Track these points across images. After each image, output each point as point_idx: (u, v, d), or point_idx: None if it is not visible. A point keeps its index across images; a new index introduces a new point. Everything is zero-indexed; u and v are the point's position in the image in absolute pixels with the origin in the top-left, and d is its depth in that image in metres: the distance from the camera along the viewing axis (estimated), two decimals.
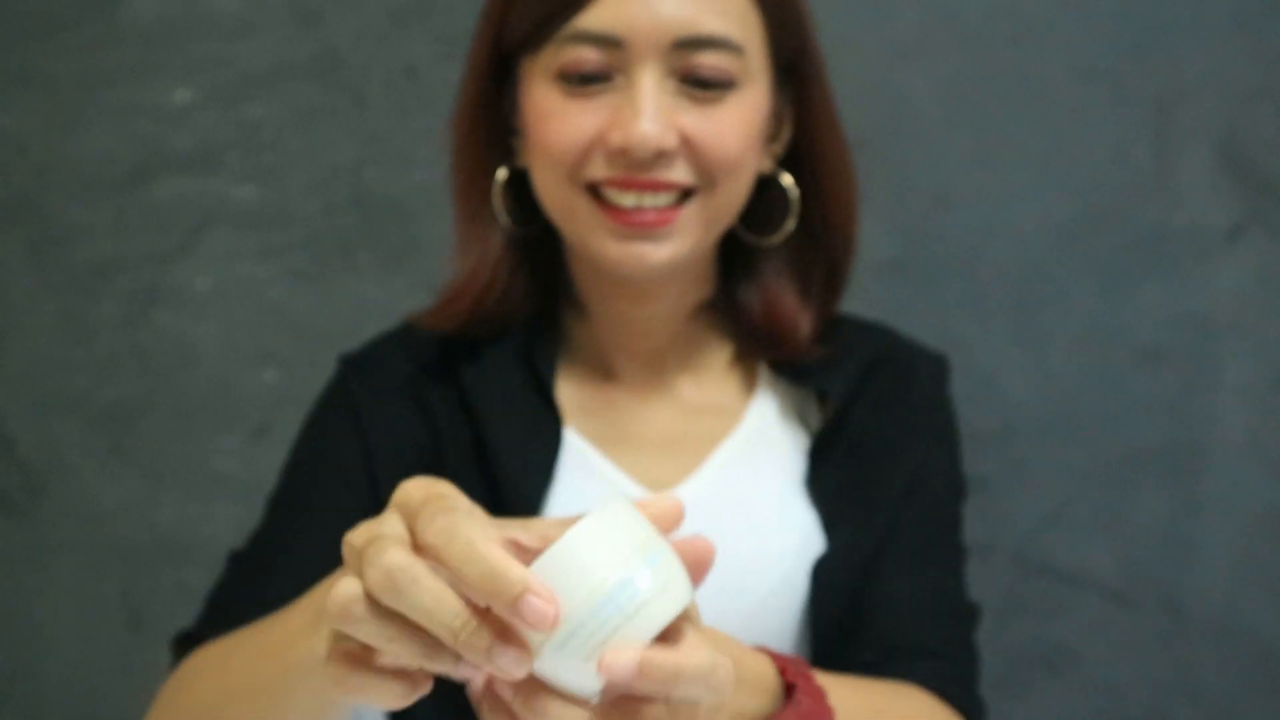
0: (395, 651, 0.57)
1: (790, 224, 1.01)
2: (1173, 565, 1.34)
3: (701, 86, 0.92)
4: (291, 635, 0.70)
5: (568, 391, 1.02)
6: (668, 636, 0.58)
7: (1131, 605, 1.35)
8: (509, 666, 0.55)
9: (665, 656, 0.56)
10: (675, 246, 0.94)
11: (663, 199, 0.93)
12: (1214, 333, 1.32)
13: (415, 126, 1.33)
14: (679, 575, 0.58)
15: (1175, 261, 1.32)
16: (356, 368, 1.02)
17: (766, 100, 0.96)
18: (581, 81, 0.92)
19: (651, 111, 0.90)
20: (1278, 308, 1.32)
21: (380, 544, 0.56)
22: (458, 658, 0.56)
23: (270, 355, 1.37)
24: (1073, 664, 1.35)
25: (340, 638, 0.59)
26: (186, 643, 0.91)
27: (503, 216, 1.00)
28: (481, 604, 0.55)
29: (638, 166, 0.91)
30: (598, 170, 0.93)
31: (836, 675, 0.82)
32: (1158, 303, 1.32)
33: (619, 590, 0.56)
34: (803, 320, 1.03)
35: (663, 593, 0.57)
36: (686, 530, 0.62)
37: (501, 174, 1.00)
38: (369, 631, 0.56)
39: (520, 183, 1.00)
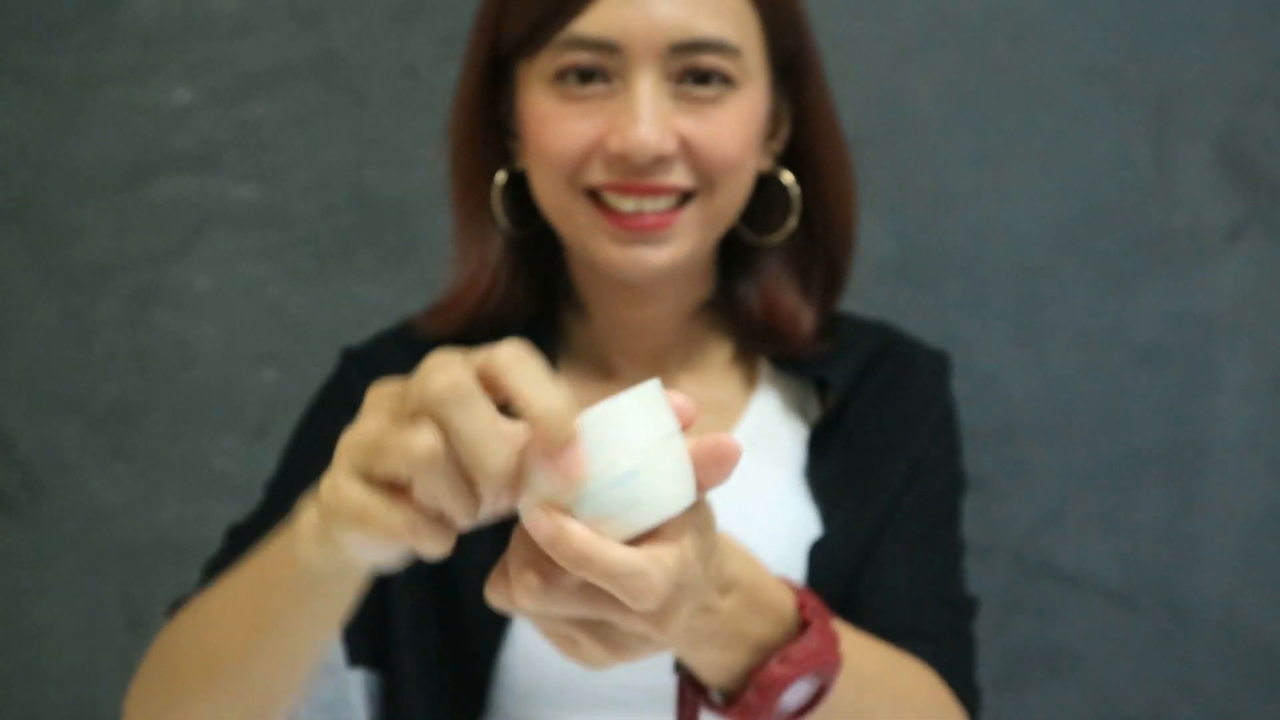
0: (429, 478, 0.57)
1: (791, 222, 1.01)
2: (1173, 565, 1.34)
3: (699, 89, 0.92)
4: (275, 553, 0.71)
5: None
6: (660, 533, 0.60)
7: (1131, 605, 1.35)
8: (522, 508, 0.58)
9: (584, 538, 0.57)
10: (675, 249, 0.94)
11: (662, 202, 0.93)
12: (1214, 333, 1.32)
13: (415, 126, 1.33)
14: (686, 479, 0.60)
15: (1175, 261, 1.32)
16: (358, 361, 1.03)
17: (764, 100, 0.96)
18: (579, 87, 0.92)
19: (649, 116, 0.90)
20: (1278, 308, 1.32)
21: (445, 364, 0.58)
22: (478, 497, 0.58)
23: (270, 355, 1.37)
24: (1073, 664, 1.35)
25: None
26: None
27: (502, 220, 1.00)
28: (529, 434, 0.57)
29: (636, 171, 0.91)
30: (596, 175, 0.93)
31: (853, 628, 0.83)
32: (1158, 303, 1.32)
33: (628, 478, 0.58)
34: (803, 317, 1.03)
35: (664, 492, 0.59)
36: None
37: (500, 177, 1.00)
38: (426, 441, 0.57)
39: (519, 184, 1.00)
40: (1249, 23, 1.30)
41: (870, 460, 1.00)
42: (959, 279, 1.34)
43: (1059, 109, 1.32)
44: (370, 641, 0.94)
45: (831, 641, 0.75)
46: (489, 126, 0.99)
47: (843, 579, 0.96)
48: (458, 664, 0.95)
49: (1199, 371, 1.33)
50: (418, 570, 0.75)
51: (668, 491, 0.59)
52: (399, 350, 1.02)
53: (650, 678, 0.84)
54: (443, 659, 0.95)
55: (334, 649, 0.92)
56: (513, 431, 0.58)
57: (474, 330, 1.00)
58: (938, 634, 0.96)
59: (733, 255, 1.04)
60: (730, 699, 0.74)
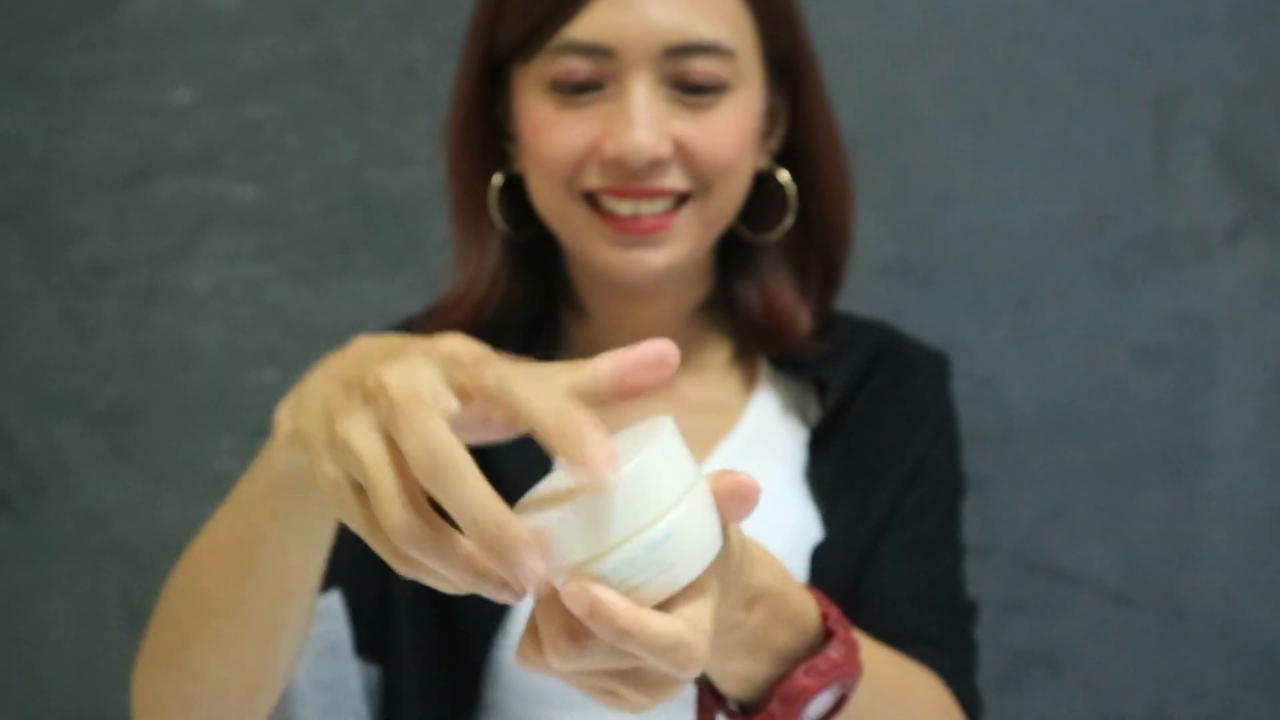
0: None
1: (789, 220, 1.01)
2: (1173, 565, 1.34)
3: (694, 92, 0.92)
4: (252, 471, 0.70)
5: None
6: (690, 585, 0.57)
7: (1131, 605, 1.34)
8: (526, 579, 0.53)
9: (626, 614, 0.54)
10: (673, 251, 0.94)
11: (659, 205, 0.93)
12: (1214, 333, 1.32)
13: (415, 126, 1.33)
14: (713, 527, 0.57)
15: (1175, 261, 1.32)
16: None
17: (760, 100, 0.96)
18: (574, 91, 0.92)
19: (645, 120, 0.90)
20: (1278, 308, 1.32)
21: (417, 407, 0.54)
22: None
23: (270, 355, 1.37)
24: (1073, 664, 1.35)
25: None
26: None
27: (500, 223, 1.00)
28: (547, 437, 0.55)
29: (633, 175, 0.91)
30: (593, 180, 0.93)
31: (865, 635, 0.81)
32: (1158, 303, 1.32)
33: (661, 542, 0.55)
34: (801, 315, 1.03)
35: (695, 549, 0.56)
36: None
37: (497, 180, 1.00)
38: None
39: (517, 186, 1.00)
40: (1248, 23, 1.30)
41: (870, 461, 1.00)
42: (959, 279, 1.34)
43: (1059, 109, 1.32)
44: (372, 633, 0.94)
45: (854, 651, 0.73)
46: (485, 130, 0.99)
47: (844, 581, 0.96)
48: (453, 658, 0.95)
49: (1199, 371, 1.33)
50: None
51: (699, 548, 0.57)
52: None
53: None
54: (439, 653, 0.95)
55: (341, 631, 0.92)
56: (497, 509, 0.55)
57: (474, 332, 1.00)
58: (939, 638, 0.96)
59: (731, 254, 1.04)
60: (752, 709, 0.72)
